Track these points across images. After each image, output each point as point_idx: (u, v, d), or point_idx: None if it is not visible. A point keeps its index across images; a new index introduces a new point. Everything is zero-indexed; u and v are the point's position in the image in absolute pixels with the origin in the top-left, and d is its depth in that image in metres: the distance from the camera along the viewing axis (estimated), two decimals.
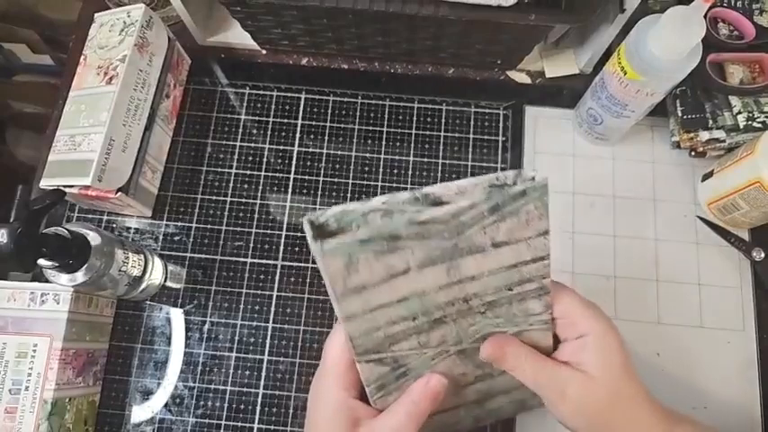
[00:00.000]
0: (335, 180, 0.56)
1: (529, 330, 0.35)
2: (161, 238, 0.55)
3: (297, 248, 0.54)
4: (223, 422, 0.50)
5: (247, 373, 0.51)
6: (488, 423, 0.39)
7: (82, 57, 0.52)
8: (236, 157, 0.57)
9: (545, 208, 0.30)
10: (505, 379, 0.37)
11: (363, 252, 0.28)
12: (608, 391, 0.33)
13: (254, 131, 0.58)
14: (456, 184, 0.30)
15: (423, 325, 0.33)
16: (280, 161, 0.57)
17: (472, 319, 0.33)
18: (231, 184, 0.56)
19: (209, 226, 0.55)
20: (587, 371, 0.33)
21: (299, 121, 0.59)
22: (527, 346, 0.35)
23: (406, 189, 0.56)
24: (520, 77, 0.60)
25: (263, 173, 0.57)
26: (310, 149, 0.58)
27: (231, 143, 0.58)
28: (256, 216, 0.55)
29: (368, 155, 0.57)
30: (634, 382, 0.34)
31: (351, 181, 0.56)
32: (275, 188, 0.56)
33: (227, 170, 0.57)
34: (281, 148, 0.58)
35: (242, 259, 0.54)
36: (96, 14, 0.53)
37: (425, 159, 0.57)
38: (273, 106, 0.59)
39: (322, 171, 0.57)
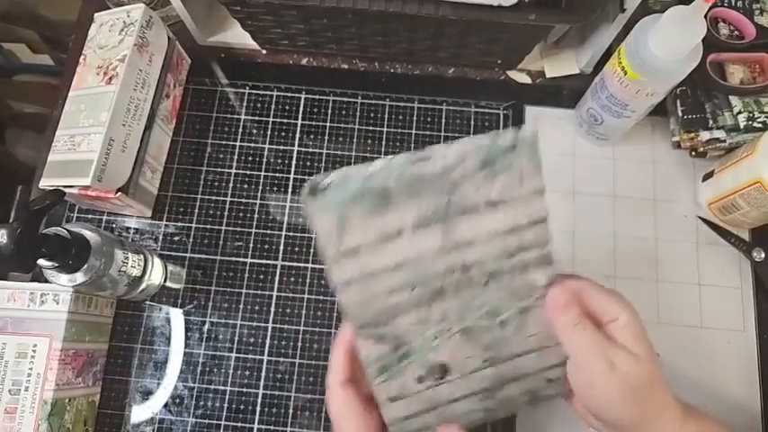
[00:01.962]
0: None
1: (536, 308, 0.34)
2: (161, 238, 0.55)
3: (297, 248, 0.54)
4: (223, 422, 0.50)
5: (247, 373, 0.51)
6: (501, 415, 0.38)
7: (82, 57, 0.52)
8: (235, 157, 0.57)
9: (538, 162, 0.30)
10: (516, 364, 0.36)
11: (355, 209, 0.29)
12: (650, 370, 0.33)
13: (254, 131, 0.58)
14: (453, 145, 0.30)
15: (422, 296, 0.32)
16: (280, 161, 0.57)
17: (474, 292, 0.33)
18: (231, 184, 0.56)
19: (208, 226, 0.55)
20: (632, 350, 0.33)
21: (299, 121, 0.59)
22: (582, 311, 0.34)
23: None
24: (520, 77, 0.60)
25: (262, 173, 0.57)
26: (310, 149, 0.58)
27: (231, 143, 0.58)
28: (256, 216, 0.55)
29: (368, 155, 0.57)
30: (660, 363, 0.34)
31: None
32: (275, 188, 0.56)
33: (226, 170, 0.57)
34: (281, 148, 0.58)
35: (242, 259, 0.54)
36: (96, 14, 0.53)
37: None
38: (273, 106, 0.59)
39: (322, 171, 0.57)
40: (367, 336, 0.33)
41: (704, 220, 0.54)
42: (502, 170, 0.30)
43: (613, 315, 0.34)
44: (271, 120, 0.59)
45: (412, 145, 0.57)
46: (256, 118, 0.59)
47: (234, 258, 0.54)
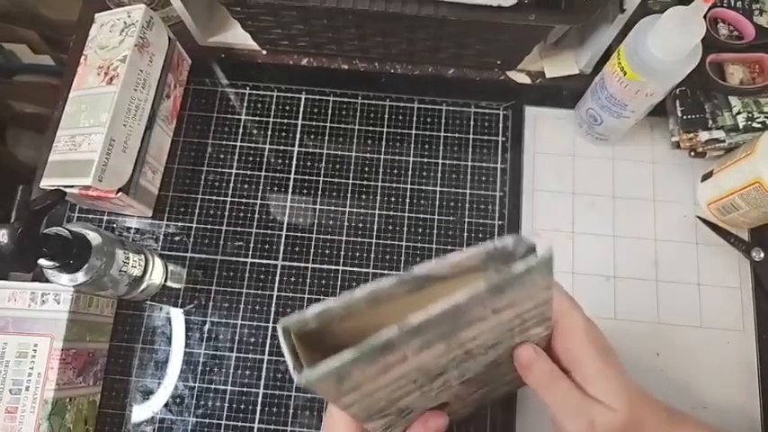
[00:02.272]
0: (335, 180, 0.57)
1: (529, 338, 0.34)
2: (161, 238, 0.55)
3: (297, 248, 0.54)
4: (223, 422, 0.50)
5: (247, 373, 0.51)
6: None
7: (82, 57, 0.52)
8: (236, 157, 0.57)
9: (551, 276, 0.27)
10: (505, 379, 0.37)
11: (354, 367, 0.25)
12: (626, 423, 0.32)
13: (255, 131, 0.58)
14: (448, 262, 0.26)
15: (423, 382, 0.30)
16: (280, 161, 0.57)
17: (474, 361, 0.32)
18: (231, 184, 0.57)
19: (209, 226, 0.55)
20: (607, 403, 0.33)
21: (299, 121, 0.59)
22: (557, 368, 0.33)
23: (405, 191, 0.56)
24: (520, 77, 0.60)
25: (263, 173, 0.57)
26: (310, 149, 0.58)
27: (231, 143, 0.58)
28: (256, 216, 0.55)
29: (368, 155, 0.57)
30: (643, 404, 0.34)
31: (351, 181, 0.56)
32: (275, 188, 0.57)
33: (227, 170, 0.57)
34: (282, 148, 0.58)
35: (242, 259, 0.54)
36: (97, 15, 0.53)
37: (425, 159, 0.57)
38: (273, 106, 0.59)
39: (322, 171, 0.57)
40: (371, 421, 0.32)
41: (703, 221, 0.54)
42: (511, 289, 0.26)
43: (584, 363, 0.33)
44: (271, 120, 0.59)
45: (412, 145, 0.57)
46: (257, 118, 0.59)
47: (234, 258, 0.54)
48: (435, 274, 0.26)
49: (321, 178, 0.57)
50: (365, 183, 0.56)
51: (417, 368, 0.28)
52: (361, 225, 0.55)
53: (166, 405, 0.50)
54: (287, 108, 0.59)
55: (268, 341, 0.52)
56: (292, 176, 0.57)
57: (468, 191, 0.56)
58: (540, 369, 0.33)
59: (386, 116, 0.59)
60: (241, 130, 0.58)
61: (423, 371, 0.29)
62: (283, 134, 0.58)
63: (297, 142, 0.58)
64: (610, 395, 0.33)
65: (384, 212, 0.55)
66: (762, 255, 0.51)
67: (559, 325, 0.34)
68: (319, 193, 0.56)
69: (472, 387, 0.35)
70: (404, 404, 0.32)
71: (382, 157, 0.57)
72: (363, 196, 0.56)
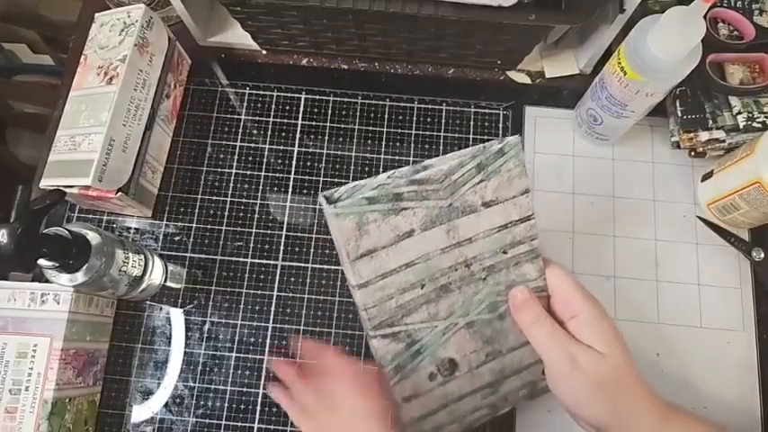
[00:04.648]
0: (335, 180, 0.57)
1: None
2: (161, 238, 0.55)
3: (297, 248, 0.54)
4: (223, 422, 0.50)
5: (247, 373, 0.51)
6: (503, 410, 0.41)
7: (82, 57, 0.52)
8: (236, 157, 0.57)
9: (522, 165, 0.35)
10: (515, 356, 0.39)
11: (372, 212, 0.33)
12: (615, 368, 0.34)
13: (255, 131, 0.58)
14: (450, 155, 0.35)
15: (431, 293, 0.36)
16: (280, 161, 0.57)
17: (475, 287, 0.36)
18: (231, 184, 0.56)
19: (209, 226, 0.55)
20: (596, 348, 0.34)
21: (299, 121, 0.59)
22: (545, 312, 0.36)
23: None
24: (520, 77, 0.60)
25: (263, 173, 0.57)
26: (310, 149, 0.58)
27: (231, 143, 0.58)
28: (256, 216, 0.55)
29: (368, 155, 0.57)
30: (633, 363, 0.35)
31: (351, 181, 0.56)
32: (275, 188, 0.56)
33: (227, 170, 0.57)
34: (281, 148, 0.58)
35: (242, 259, 0.54)
36: (96, 14, 0.54)
37: (425, 159, 0.57)
38: (273, 106, 0.59)
39: (322, 171, 0.57)
40: (383, 335, 0.36)
41: (704, 221, 0.54)
42: (493, 173, 0.35)
43: (576, 311, 0.36)
44: (271, 120, 0.59)
45: (412, 145, 0.57)
46: (256, 118, 0.59)
47: (234, 258, 0.54)
48: (440, 164, 0.34)
49: (321, 178, 0.57)
50: None
51: (423, 257, 0.35)
52: None
53: (166, 405, 0.50)
54: (287, 108, 0.59)
55: (268, 341, 0.52)
56: (292, 176, 0.57)
57: None
58: (530, 308, 0.36)
59: (386, 116, 0.59)
60: (241, 130, 0.58)
61: (429, 269, 0.35)
62: (283, 134, 0.58)
63: (297, 142, 0.58)
64: (600, 341, 0.35)
65: None
66: (762, 255, 0.51)
67: (557, 287, 0.37)
68: (319, 193, 0.56)
69: (479, 345, 0.38)
70: (413, 326, 0.36)
71: (382, 157, 0.57)
72: None
